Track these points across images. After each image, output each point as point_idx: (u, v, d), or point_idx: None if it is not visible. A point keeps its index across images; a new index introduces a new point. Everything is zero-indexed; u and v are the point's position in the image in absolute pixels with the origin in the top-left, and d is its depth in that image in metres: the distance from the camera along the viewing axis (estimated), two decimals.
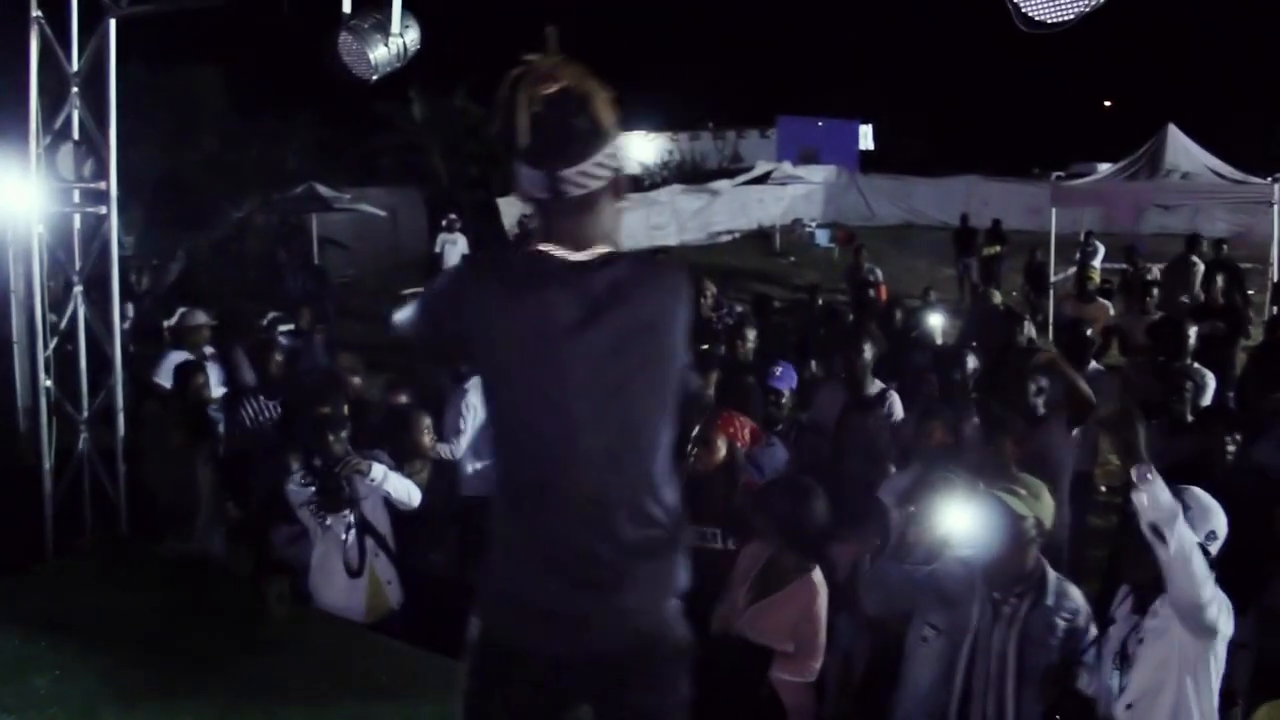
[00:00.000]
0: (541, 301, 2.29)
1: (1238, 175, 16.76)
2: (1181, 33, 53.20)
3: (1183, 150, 16.86)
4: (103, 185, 6.04)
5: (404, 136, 28.03)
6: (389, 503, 5.17)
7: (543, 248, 2.34)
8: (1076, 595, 3.70)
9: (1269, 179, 16.09)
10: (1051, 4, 3.07)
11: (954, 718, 3.66)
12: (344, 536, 5.05)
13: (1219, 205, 25.59)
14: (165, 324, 12.17)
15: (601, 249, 2.36)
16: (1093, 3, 3.04)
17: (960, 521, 3.67)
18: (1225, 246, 15.24)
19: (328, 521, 5.04)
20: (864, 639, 4.81)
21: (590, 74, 2.29)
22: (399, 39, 4.69)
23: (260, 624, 4.95)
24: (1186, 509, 3.22)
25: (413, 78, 5.38)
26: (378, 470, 5.01)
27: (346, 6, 4.82)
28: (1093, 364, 7.34)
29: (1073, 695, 3.53)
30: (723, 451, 5.08)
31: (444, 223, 21.45)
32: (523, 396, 2.34)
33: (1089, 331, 7.39)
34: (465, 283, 2.45)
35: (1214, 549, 3.29)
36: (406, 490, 5.15)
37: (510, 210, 26.58)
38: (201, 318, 8.21)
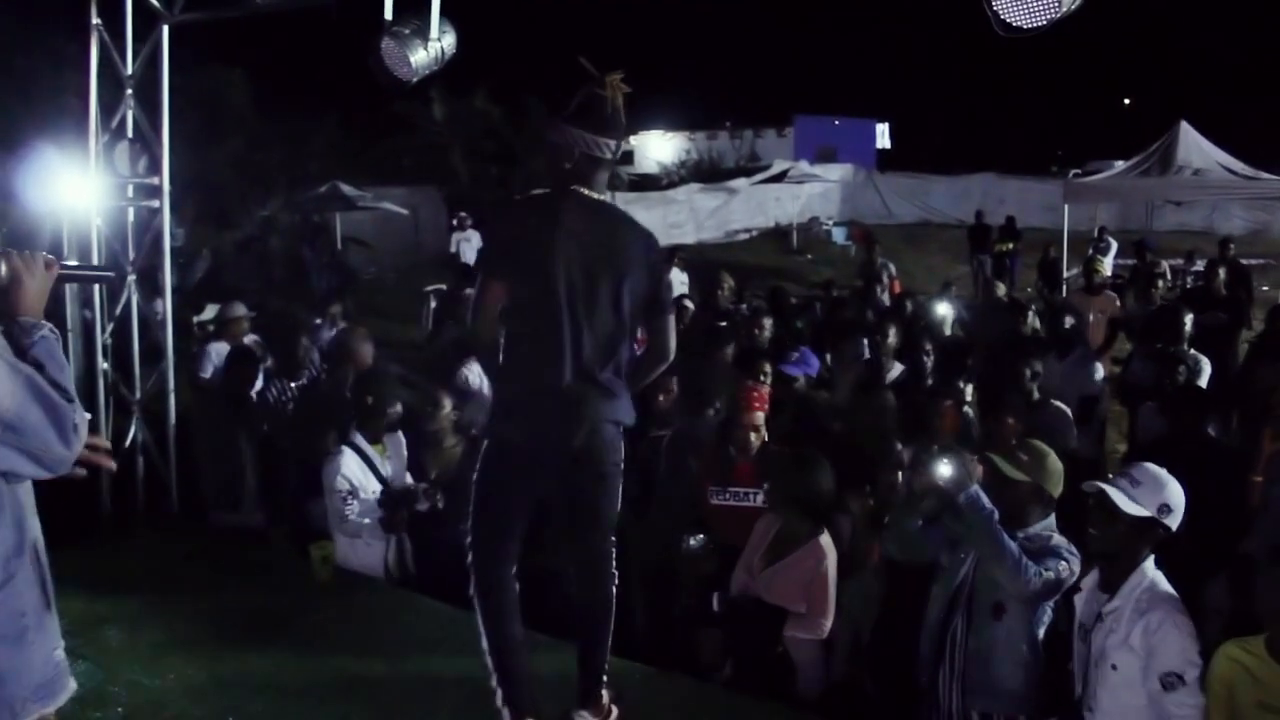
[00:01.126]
0: (565, 219, 3.57)
1: (1249, 171, 16.93)
2: (1198, 30, 53.12)
3: (1195, 147, 17.03)
4: (156, 180, 6.42)
5: (425, 137, 28.39)
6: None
7: (575, 188, 3.60)
8: (1055, 537, 3.91)
9: None
10: (1026, 10, 3.40)
11: (940, 640, 4.00)
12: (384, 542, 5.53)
13: (1235, 202, 25.74)
14: (195, 319, 12.58)
15: (604, 196, 3.70)
16: (1065, 10, 3.37)
17: (944, 471, 3.95)
18: (1232, 245, 15.44)
19: (357, 513, 5.43)
20: (870, 605, 5.08)
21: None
22: (437, 43, 5.04)
23: (306, 585, 5.33)
24: (1137, 484, 3.47)
25: (434, 79, 5.66)
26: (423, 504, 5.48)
27: (388, 13, 5.19)
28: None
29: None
30: (760, 419, 5.40)
31: (455, 221, 21.79)
32: (539, 278, 3.54)
33: (1085, 318, 7.83)
34: (516, 214, 3.96)
35: (1170, 521, 3.46)
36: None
37: None
38: (241, 310, 8.67)
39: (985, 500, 3.80)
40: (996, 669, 3.89)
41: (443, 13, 5.09)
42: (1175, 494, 3.49)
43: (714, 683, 4.60)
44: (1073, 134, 44.06)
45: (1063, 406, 6.42)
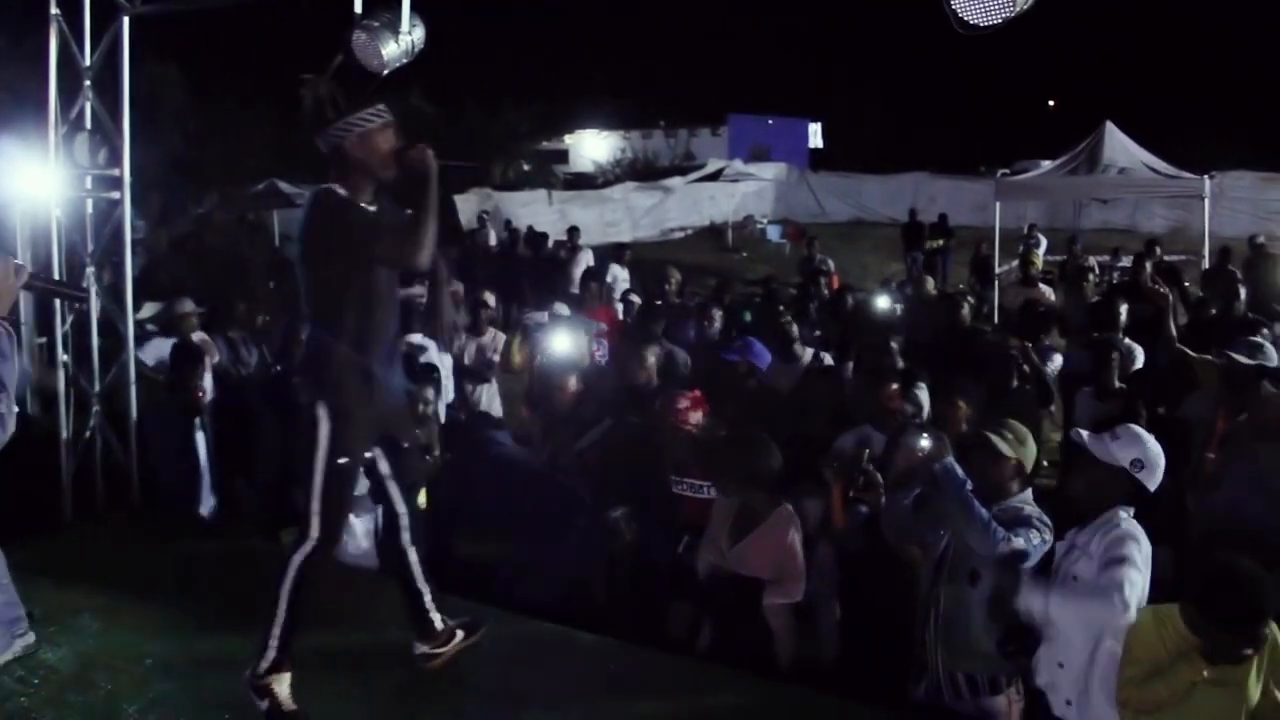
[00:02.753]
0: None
1: (1171, 170, 17.48)
2: (1124, 35, 54.40)
3: (1120, 147, 17.55)
4: (116, 172, 6.40)
5: None
6: None
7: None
8: (1028, 507, 4.15)
9: (1204, 175, 16.86)
10: (982, 9, 3.64)
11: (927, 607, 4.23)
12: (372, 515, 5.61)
13: (1156, 201, 26.54)
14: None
15: (328, 185, 4.00)
16: (1017, 9, 3.61)
17: (924, 444, 4.20)
18: (1158, 247, 15.90)
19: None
20: (828, 590, 5.23)
21: (336, 85, 4.03)
22: (408, 36, 5.13)
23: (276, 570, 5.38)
24: (1116, 438, 3.88)
25: (369, 78, 5.73)
26: None
27: (358, 6, 5.29)
28: None
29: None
30: (698, 417, 5.58)
31: None
32: None
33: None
34: None
35: (1144, 478, 3.82)
36: None
37: (466, 205, 26.99)
38: (190, 306, 8.69)
39: (958, 470, 4.04)
40: (974, 632, 4.10)
41: (412, 7, 5.18)
42: (1152, 454, 3.85)
43: (690, 655, 4.76)
44: (999, 135, 44.89)
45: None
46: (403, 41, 5.11)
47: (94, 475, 6.65)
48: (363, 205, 4.03)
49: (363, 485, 5.46)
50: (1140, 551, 3.73)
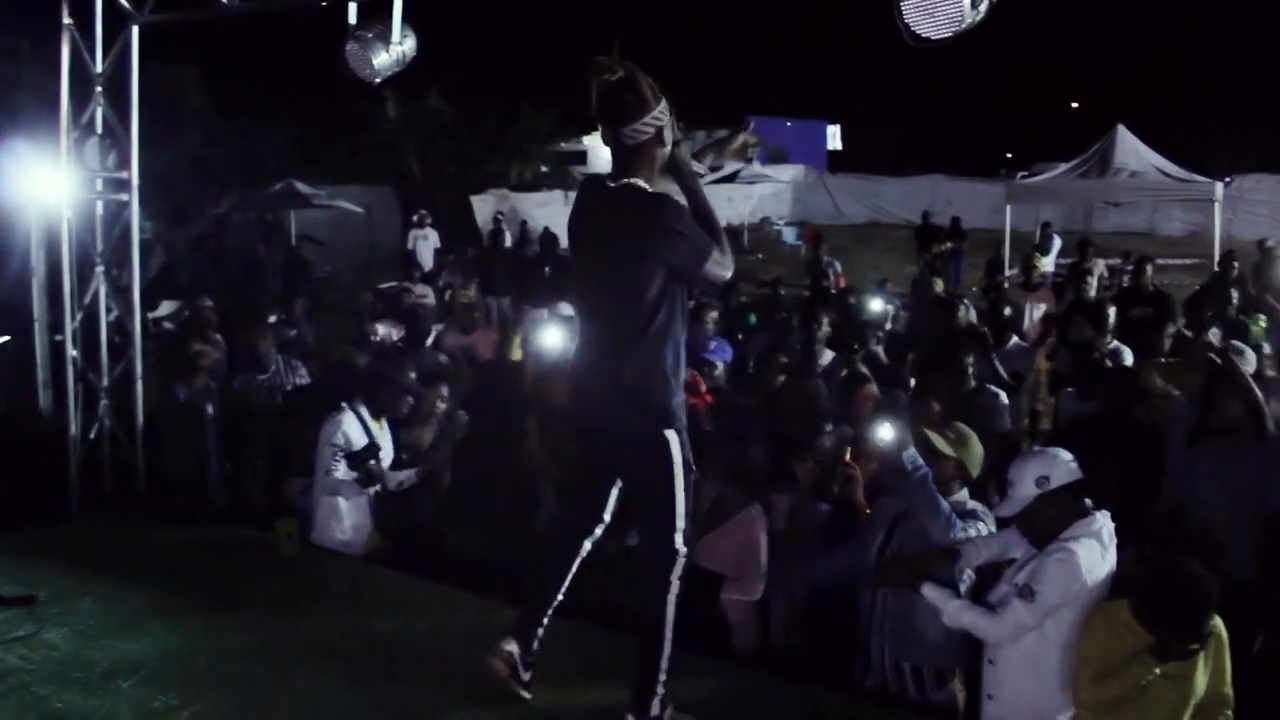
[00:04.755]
0: (585, 208, 3.76)
1: (1184, 174, 17.53)
2: (1146, 38, 54.13)
3: (1131, 150, 17.63)
4: (125, 175, 6.66)
5: (380, 136, 28.50)
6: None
7: (601, 176, 3.72)
8: (969, 502, 4.40)
9: (1218, 179, 16.90)
10: (932, 23, 3.79)
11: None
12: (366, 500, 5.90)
13: (1174, 204, 26.51)
14: (150, 316, 12.78)
15: (631, 180, 3.60)
16: (968, 22, 3.75)
17: (885, 434, 4.37)
18: (1149, 267, 15.83)
19: (341, 471, 5.74)
20: (795, 581, 5.38)
21: (639, 69, 3.58)
22: (399, 47, 5.35)
23: (273, 558, 5.62)
24: (1010, 484, 3.78)
25: (389, 79, 5.87)
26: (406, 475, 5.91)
27: (352, 17, 5.50)
28: (1014, 340, 8.19)
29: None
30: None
31: (415, 218, 22.03)
32: (575, 267, 3.93)
33: (1008, 311, 8.38)
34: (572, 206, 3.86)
35: (1059, 480, 3.69)
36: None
37: (483, 207, 27.19)
38: (208, 302, 9.02)
39: (920, 459, 4.21)
40: (919, 623, 4.26)
41: (403, 17, 5.38)
42: (1045, 462, 3.77)
43: None
44: (1022, 137, 44.86)
45: (998, 391, 6.82)
46: (394, 51, 5.33)
47: (101, 468, 6.88)
48: None
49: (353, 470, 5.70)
50: (1064, 580, 3.62)
